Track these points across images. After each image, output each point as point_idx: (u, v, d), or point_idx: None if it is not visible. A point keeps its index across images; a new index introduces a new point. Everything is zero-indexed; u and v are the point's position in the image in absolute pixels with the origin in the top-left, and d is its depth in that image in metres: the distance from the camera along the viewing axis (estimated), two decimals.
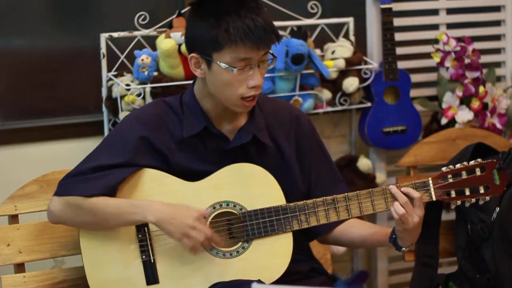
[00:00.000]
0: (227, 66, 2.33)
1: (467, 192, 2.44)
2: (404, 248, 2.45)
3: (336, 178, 2.63)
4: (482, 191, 2.44)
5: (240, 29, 2.30)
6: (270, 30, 2.34)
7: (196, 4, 2.40)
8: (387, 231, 2.49)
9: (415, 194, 2.39)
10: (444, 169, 2.45)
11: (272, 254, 2.44)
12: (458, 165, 2.45)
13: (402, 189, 2.41)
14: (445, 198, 2.45)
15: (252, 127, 2.49)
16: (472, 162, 2.44)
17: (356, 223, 2.58)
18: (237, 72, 2.33)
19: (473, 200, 2.45)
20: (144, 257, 2.42)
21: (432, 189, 2.44)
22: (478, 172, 2.44)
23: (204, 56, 2.37)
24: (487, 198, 2.45)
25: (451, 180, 2.44)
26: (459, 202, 2.45)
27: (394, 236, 2.45)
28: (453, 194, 2.45)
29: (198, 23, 2.37)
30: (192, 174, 2.45)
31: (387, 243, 2.48)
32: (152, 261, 2.42)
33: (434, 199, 2.44)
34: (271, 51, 2.40)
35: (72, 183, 2.42)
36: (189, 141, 2.46)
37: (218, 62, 2.34)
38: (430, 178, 2.44)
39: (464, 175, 2.44)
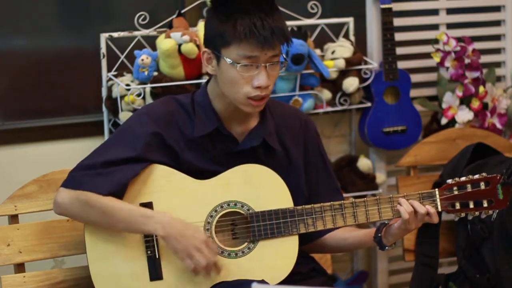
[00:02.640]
0: (232, 62, 2.34)
1: (471, 205, 2.48)
2: (387, 247, 2.46)
3: (333, 187, 2.64)
4: (485, 204, 2.48)
5: (247, 26, 2.32)
6: (278, 32, 2.34)
7: (214, 1, 2.42)
8: (370, 231, 2.52)
9: (421, 209, 2.42)
10: (449, 181, 2.48)
11: (278, 255, 2.45)
12: (463, 178, 2.48)
13: (410, 201, 2.43)
14: (450, 210, 2.48)
15: (263, 130, 2.50)
16: (477, 176, 2.48)
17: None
18: (240, 69, 2.34)
19: (476, 213, 2.48)
20: (149, 252, 2.42)
21: (438, 200, 2.47)
22: (482, 186, 2.47)
23: (214, 52, 2.39)
24: (490, 212, 2.49)
25: (456, 192, 2.47)
26: (463, 215, 2.49)
27: (379, 235, 2.46)
28: (457, 206, 2.48)
29: (211, 19, 2.41)
30: (200, 173, 2.45)
31: (371, 242, 2.50)
32: (157, 256, 2.42)
33: (439, 209, 2.47)
34: (284, 55, 2.41)
35: (83, 177, 2.41)
36: (198, 141, 2.47)
37: (225, 57, 2.35)
38: (436, 190, 2.48)
39: (469, 188, 2.47)
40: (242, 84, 2.37)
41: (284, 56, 2.42)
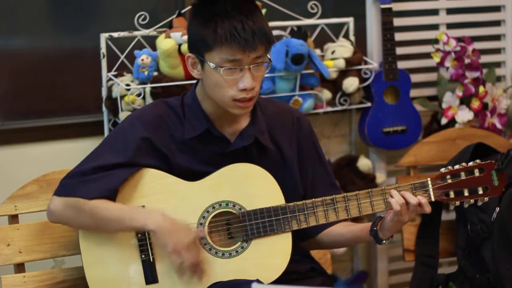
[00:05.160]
0: (215, 66, 2.34)
1: (466, 193, 2.45)
2: (384, 241, 2.45)
3: (330, 183, 2.63)
4: (480, 192, 2.45)
5: (227, 30, 2.31)
6: (260, 34, 2.33)
7: (195, 5, 2.42)
8: (366, 226, 2.51)
9: (412, 200, 2.40)
10: (443, 170, 2.46)
11: (272, 254, 2.45)
12: (456, 166, 2.45)
13: (402, 192, 2.41)
14: (444, 198, 2.45)
15: (254, 130, 2.49)
16: (471, 163, 2.45)
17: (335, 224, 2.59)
18: (224, 72, 2.34)
19: (472, 201, 2.46)
20: (143, 256, 2.42)
21: (431, 190, 2.45)
22: (476, 173, 2.45)
23: (198, 56, 2.39)
24: (486, 199, 2.46)
25: (449, 181, 2.45)
26: (458, 203, 2.46)
27: (375, 228, 2.45)
28: (451, 194, 2.45)
29: (192, 23, 2.41)
30: (193, 175, 2.45)
31: (367, 237, 2.49)
32: (151, 260, 2.42)
33: (432, 199, 2.45)
34: (269, 56, 2.40)
35: (73, 184, 2.42)
36: (190, 143, 2.47)
37: (208, 62, 2.35)
38: (429, 179, 2.45)
39: (462, 176, 2.45)
40: (227, 88, 2.36)
41: (269, 57, 2.41)
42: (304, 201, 2.46)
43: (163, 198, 2.44)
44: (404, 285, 3.73)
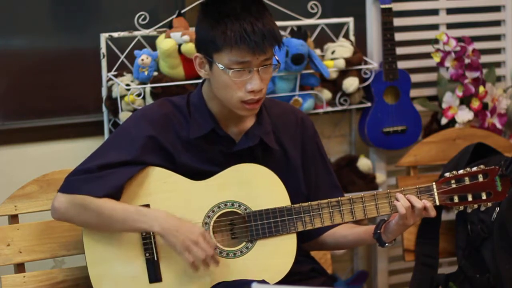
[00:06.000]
0: (224, 67, 2.34)
1: (470, 198, 2.47)
2: (387, 244, 2.46)
3: (332, 184, 2.64)
4: (484, 197, 2.47)
5: (237, 32, 2.31)
6: (269, 36, 2.34)
7: (204, 4, 2.41)
8: (370, 228, 2.51)
9: (418, 204, 2.41)
10: (447, 174, 2.47)
11: (276, 254, 2.45)
12: (461, 171, 2.46)
13: (407, 196, 2.42)
14: (448, 203, 2.47)
15: (259, 130, 2.49)
16: (475, 168, 2.46)
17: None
18: (233, 74, 2.34)
19: (475, 205, 2.47)
20: (147, 255, 2.43)
21: (436, 194, 2.46)
22: (480, 178, 2.46)
23: (206, 57, 2.39)
24: (489, 204, 2.48)
25: (454, 186, 2.46)
26: (461, 208, 2.48)
27: (378, 231, 2.46)
28: (455, 199, 2.47)
29: (201, 23, 2.40)
30: (198, 175, 2.46)
31: (370, 239, 2.50)
32: (156, 259, 2.43)
33: (437, 203, 2.46)
34: (276, 57, 2.40)
35: (79, 181, 2.41)
36: (195, 142, 2.47)
37: (217, 63, 2.35)
38: (434, 183, 2.46)
39: (467, 180, 2.46)
40: (235, 89, 2.37)
41: (277, 58, 2.42)
42: (309, 202, 2.47)
43: (169, 197, 2.44)
44: (404, 285, 3.73)
